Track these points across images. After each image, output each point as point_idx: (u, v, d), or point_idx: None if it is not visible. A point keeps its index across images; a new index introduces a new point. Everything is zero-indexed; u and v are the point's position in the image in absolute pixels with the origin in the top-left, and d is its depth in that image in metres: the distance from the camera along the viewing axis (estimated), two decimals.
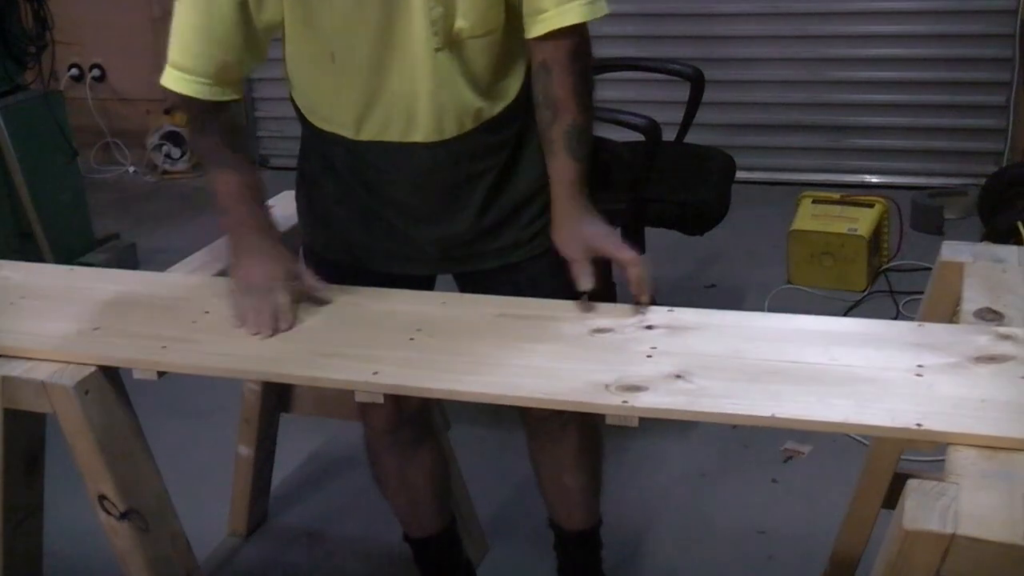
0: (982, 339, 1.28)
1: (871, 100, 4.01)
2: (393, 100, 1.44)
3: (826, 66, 4.01)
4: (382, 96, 1.44)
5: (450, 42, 1.39)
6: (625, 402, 1.21)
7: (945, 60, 3.89)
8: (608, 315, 1.42)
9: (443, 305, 1.49)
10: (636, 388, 1.23)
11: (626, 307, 1.43)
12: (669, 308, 1.42)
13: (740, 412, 1.18)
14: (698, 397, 1.21)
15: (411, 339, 1.39)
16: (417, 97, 1.43)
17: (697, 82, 2.85)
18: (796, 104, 4.08)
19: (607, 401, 1.22)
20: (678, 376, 1.25)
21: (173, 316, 1.50)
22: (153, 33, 4.59)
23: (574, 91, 1.44)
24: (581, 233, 1.47)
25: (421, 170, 1.49)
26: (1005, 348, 1.25)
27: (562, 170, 1.47)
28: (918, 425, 1.12)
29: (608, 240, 1.46)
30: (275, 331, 1.43)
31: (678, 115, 2.84)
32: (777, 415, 1.16)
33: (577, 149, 1.46)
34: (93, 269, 1.82)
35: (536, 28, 1.41)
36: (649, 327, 1.38)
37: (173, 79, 1.45)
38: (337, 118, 1.50)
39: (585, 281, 1.45)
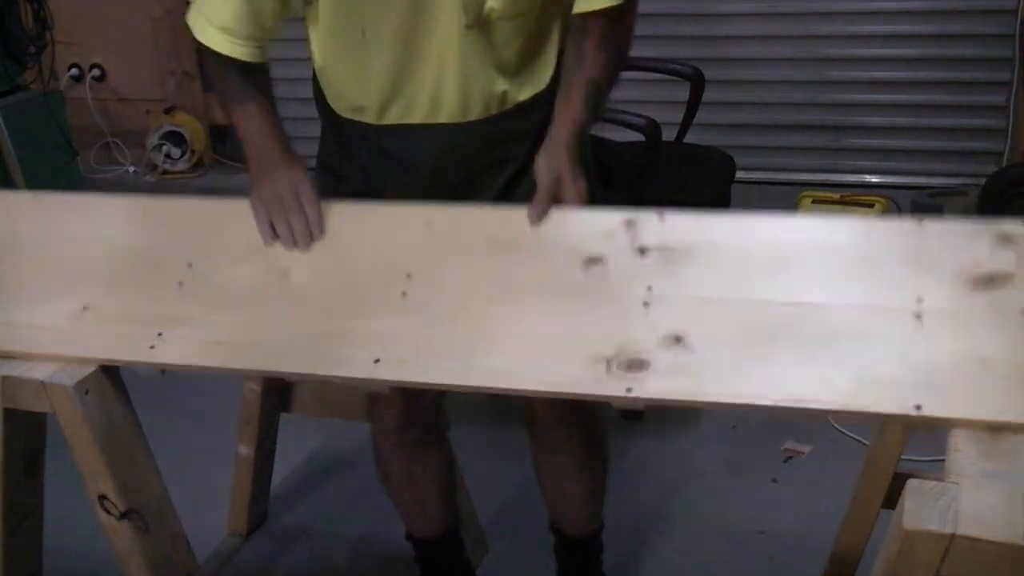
0: (982, 245, 1.24)
1: (871, 100, 4.01)
2: (421, 78, 1.44)
3: (826, 66, 4.01)
4: (410, 74, 1.45)
5: (480, 21, 1.40)
6: (630, 390, 1.21)
7: (945, 60, 3.89)
8: (595, 231, 1.36)
9: (428, 228, 1.42)
10: (638, 365, 1.22)
11: (614, 218, 1.37)
12: (659, 214, 1.36)
13: (741, 402, 1.19)
14: (701, 378, 1.20)
15: (403, 293, 1.36)
16: (444, 74, 1.44)
17: (697, 82, 2.85)
18: (796, 104, 4.07)
19: (612, 390, 1.22)
20: (677, 339, 1.24)
21: (157, 277, 1.45)
22: (153, 33, 4.60)
23: (604, 53, 1.45)
24: (558, 166, 1.44)
25: (444, 152, 1.49)
26: (1005, 260, 1.21)
27: (571, 111, 1.46)
28: (917, 408, 1.13)
29: (568, 188, 1.42)
30: (311, 241, 1.44)
31: (678, 115, 2.84)
32: (778, 403, 1.17)
33: (592, 101, 1.47)
34: (60, 199, 1.65)
35: (579, 5, 1.44)
36: (642, 251, 1.33)
37: (218, 41, 1.44)
38: (363, 100, 1.50)
39: (535, 214, 1.40)
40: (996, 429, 1.09)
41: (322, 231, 1.45)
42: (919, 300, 1.21)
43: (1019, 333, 1.16)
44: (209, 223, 1.53)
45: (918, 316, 1.20)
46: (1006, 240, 1.23)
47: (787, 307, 1.24)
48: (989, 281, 1.21)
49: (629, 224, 1.35)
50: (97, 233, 1.54)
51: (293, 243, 1.44)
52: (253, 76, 1.49)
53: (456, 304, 1.34)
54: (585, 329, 1.27)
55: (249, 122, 1.50)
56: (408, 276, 1.38)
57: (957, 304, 1.20)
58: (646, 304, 1.28)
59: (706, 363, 1.22)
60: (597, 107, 1.48)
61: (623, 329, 1.26)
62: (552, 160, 1.44)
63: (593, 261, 1.34)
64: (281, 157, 1.50)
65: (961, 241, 1.25)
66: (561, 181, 1.42)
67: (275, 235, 1.46)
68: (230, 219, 1.50)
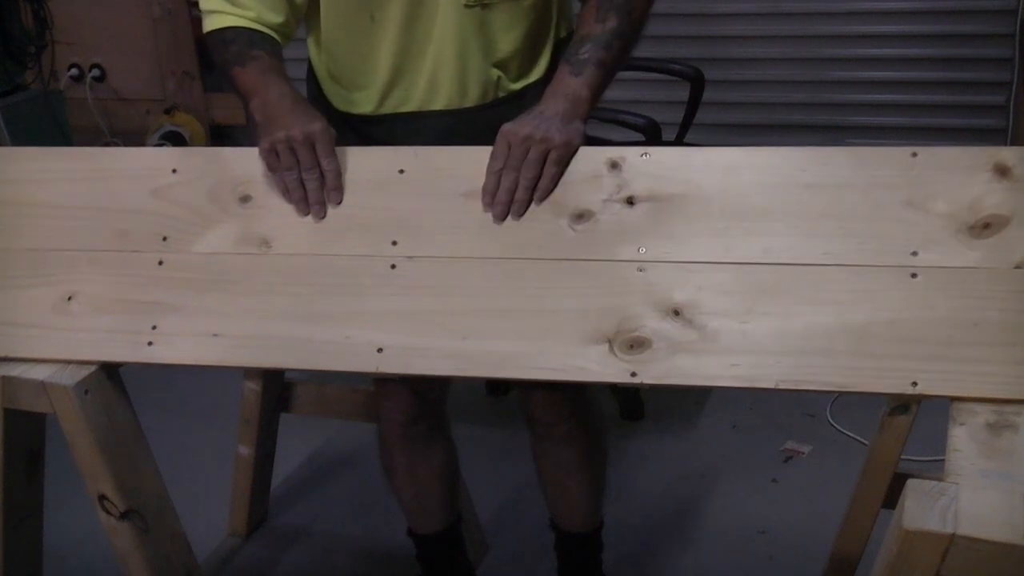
0: (981, 178, 1.24)
1: (871, 100, 4.01)
2: (420, 60, 1.46)
3: (826, 66, 4.01)
4: (410, 57, 1.46)
5: (479, 1, 1.43)
6: (634, 374, 1.23)
7: (945, 60, 3.89)
8: (581, 181, 1.35)
9: (404, 180, 1.39)
10: (640, 344, 1.24)
11: (598, 159, 1.35)
12: (642, 152, 1.34)
13: (741, 385, 1.21)
14: (703, 355, 1.22)
15: (392, 267, 1.34)
16: (443, 56, 1.45)
17: (697, 82, 2.85)
18: (796, 104, 4.07)
19: (617, 375, 1.24)
20: (677, 312, 1.25)
21: (135, 256, 1.43)
22: (153, 33, 4.59)
23: (595, 17, 1.38)
24: (525, 118, 1.36)
25: (436, 142, 1.48)
26: (1001, 197, 1.22)
27: (557, 78, 1.38)
28: (913, 384, 1.16)
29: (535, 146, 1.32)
30: (324, 210, 1.36)
31: (678, 115, 2.84)
32: (780, 385, 1.19)
33: (572, 57, 1.37)
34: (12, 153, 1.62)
35: None
36: (630, 201, 1.33)
37: (219, 19, 1.43)
38: (364, 87, 1.51)
39: (491, 207, 1.34)
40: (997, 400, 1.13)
41: (340, 196, 1.37)
42: (914, 254, 1.22)
43: (1014, 294, 1.18)
44: (171, 179, 1.46)
45: (914, 274, 1.21)
46: (1002, 173, 1.23)
47: (780, 267, 1.26)
48: (986, 227, 1.21)
49: (609, 164, 1.35)
50: (58, 200, 1.49)
51: (306, 209, 1.36)
52: (259, 45, 1.43)
53: (449, 281, 1.33)
54: (581, 302, 1.29)
55: (251, 76, 1.40)
56: (394, 243, 1.36)
57: (953, 258, 1.21)
58: (641, 271, 1.29)
59: (707, 339, 1.24)
60: (582, 60, 1.35)
61: (620, 299, 1.28)
62: (517, 123, 1.34)
63: (581, 217, 1.34)
64: (293, 107, 1.38)
65: (960, 176, 1.25)
66: (530, 139, 1.32)
67: (294, 197, 1.37)
68: (190, 171, 1.46)
